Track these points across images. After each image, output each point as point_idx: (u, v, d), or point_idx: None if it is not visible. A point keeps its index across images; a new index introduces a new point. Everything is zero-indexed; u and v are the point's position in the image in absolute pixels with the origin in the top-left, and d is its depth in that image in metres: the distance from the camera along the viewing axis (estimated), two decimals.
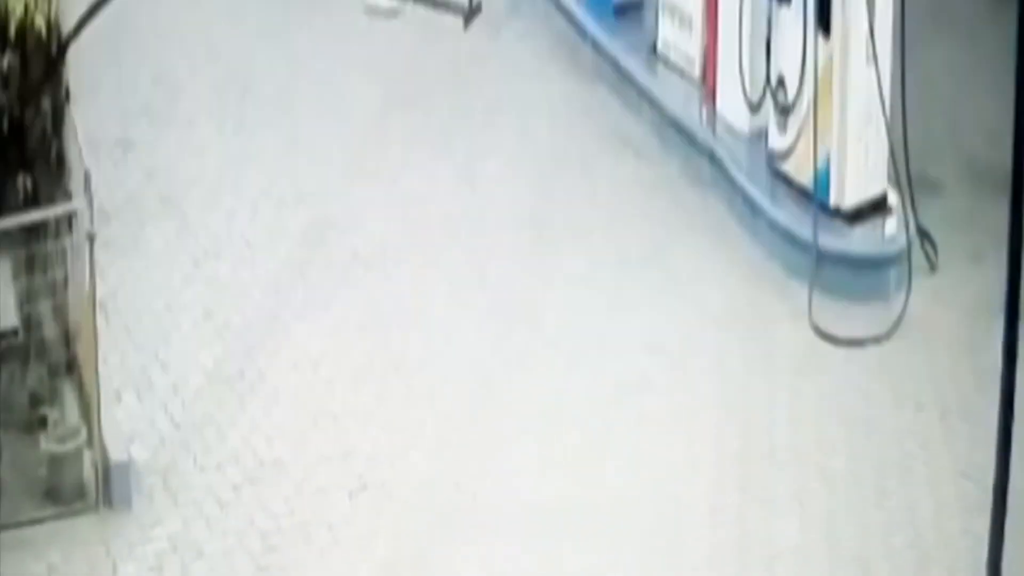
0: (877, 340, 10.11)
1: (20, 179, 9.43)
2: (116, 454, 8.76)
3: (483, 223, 11.57)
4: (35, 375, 9.33)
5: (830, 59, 10.80)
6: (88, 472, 8.77)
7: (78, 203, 8.85)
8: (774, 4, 11.17)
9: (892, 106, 10.89)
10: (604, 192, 12.08)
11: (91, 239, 8.51)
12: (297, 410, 9.38)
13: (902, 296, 10.43)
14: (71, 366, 9.48)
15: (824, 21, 10.74)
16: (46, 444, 8.83)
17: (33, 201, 9.29)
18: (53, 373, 9.40)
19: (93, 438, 8.80)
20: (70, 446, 8.82)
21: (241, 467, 8.86)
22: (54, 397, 9.29)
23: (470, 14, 14.40)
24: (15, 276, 9.19)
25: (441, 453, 9.02)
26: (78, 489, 8.73)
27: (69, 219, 9.04)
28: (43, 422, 9.08)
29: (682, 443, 9.11)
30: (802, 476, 8.84)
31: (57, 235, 9.36)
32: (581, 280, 10.82)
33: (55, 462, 8.77)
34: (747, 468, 8.92)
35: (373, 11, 13.36)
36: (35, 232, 9.11)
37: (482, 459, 8.96)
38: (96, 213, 8.66)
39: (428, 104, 13.23)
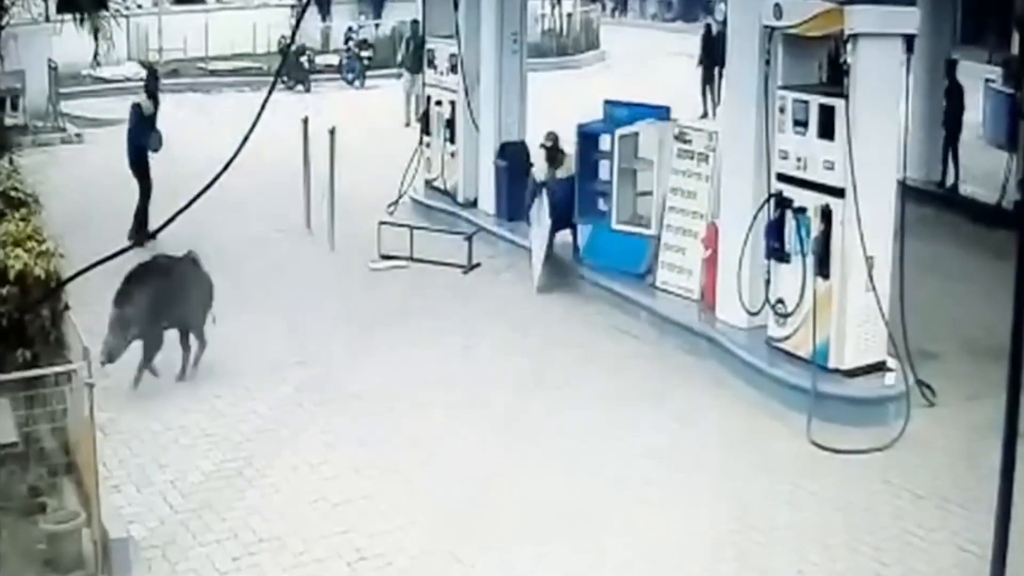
0: (877, 450, 11.68)
1: (19, 352, 11.31)
2: (115, 532, 10.12)
3: (481, 378, 13.48)
4: (34, 474, 10.83)
5: (829, 289, 12.84)
6: (87, 546, 10.09)
7: (77, 363, 10.36)
8: (773, 261, 13.30)
9: (892, 295, 12.79)
10: (603, 359, 14.00)
11: (90, 387, 9.73)
12: (296, 498, 10.86)
13: (900, 423, 12.08)
14: (70, 469, 10.99)
15: (824, 272, 12.84)
16: (45, 524, 10.20)
17: (32, 367, 10.96)
18: (52, 473, 10.89)
19: (92, 519, 10.16)
20: (69, 526, 10.17)
21: (240, 542, 10.18)
22: (53, 491, 10.75)
23: (469, 268, 17.20)
24: (14, 409, 10.75)
25: (440, 530, 10.38)
26: (77, 560, 10.01)
27: (68, 376, 10.57)
28: (42, 508, 10.50)
29: (680, 522, 10.53)
30: (801, 550, 10.16)
31: (56, 384, 11.10)
32: (581, 409, 12.61)
33: (54, 538, 10.06)
34: (746, 543, 10.26)
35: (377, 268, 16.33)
36: (35, 382, 10.68)
37: (481, 535, 10.30)
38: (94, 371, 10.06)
39: (424, 314, 15.42)
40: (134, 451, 11.63)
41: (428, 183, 20.91)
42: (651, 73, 33.29)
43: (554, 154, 16.82)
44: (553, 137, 16.93)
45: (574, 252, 16.93)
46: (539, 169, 17.02)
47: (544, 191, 16.63)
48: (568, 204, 16.71)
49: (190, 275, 13.13)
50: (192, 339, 13.16)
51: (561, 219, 16.65)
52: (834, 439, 11.84)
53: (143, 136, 18.61)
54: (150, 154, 18.69)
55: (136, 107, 18.91)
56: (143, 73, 33.64)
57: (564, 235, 16.97)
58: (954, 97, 21.17)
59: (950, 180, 21.32)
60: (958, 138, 21.33)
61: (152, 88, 19.29)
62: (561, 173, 16.75)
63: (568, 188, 16.68)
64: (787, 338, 13.27)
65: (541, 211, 16.57)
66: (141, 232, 17.29)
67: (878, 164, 12.47)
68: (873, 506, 10.82)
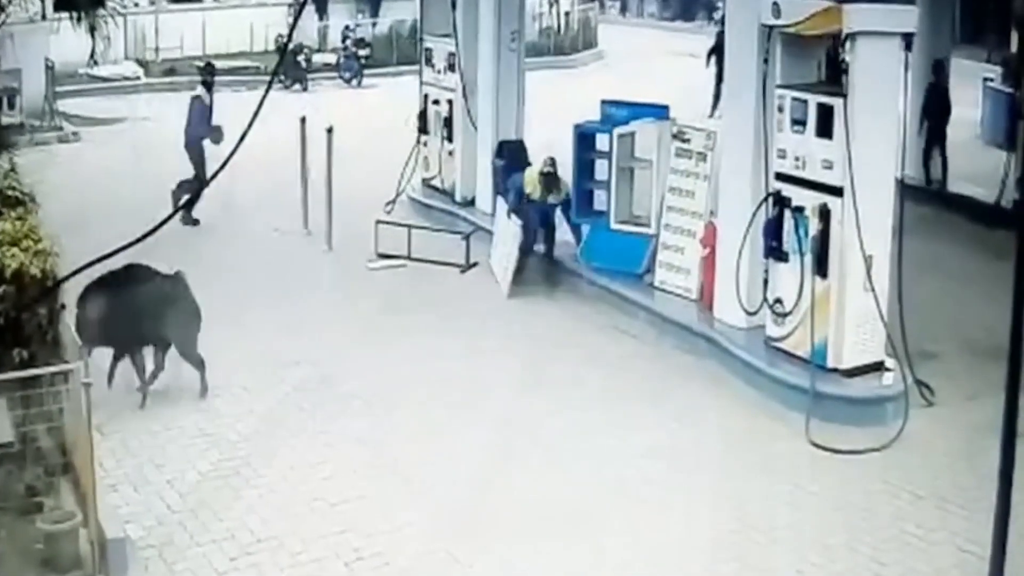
0: (875, 451, 11.68)
1: (16, 351, 11.30)
2: (112, 532, 10.09)
3: (479, 377, 13.49)
4: (31, 474, 10.82)
5: (827, 289, 12.83)
6: (84, 546, 10.07)
7: (73, 363, 10.37)
8: (771, 260, 13.29)
9: (890, 295, 12.73)
10: (602, 358, 14.00)
11: (87, 387, 9.73)
12: (293, 498, 10.84)
13: (899, 422, 12.07)
14: (67, 469, 10.98)
15: (822, 271, 12.83)
16: (42, 524, 10.19)
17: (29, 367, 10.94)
18: (49, 473, 10.89)
19: (89, 519, 10.16)
20: (66, 526, 10.16)
21: (237, 542, 10.14)
22: (49, 491, 10.74)
23: (467, 267, 17.19)
24: (11, 409, 10.74)
25: (439, 531, 10.36)
26: (74, 560, 9.99)
27: (65, 375, 10.52)
28: (39, 508, 10.49)
29: (680, 522, 10.54)
30: (801, 550, 10.15)
31: (53, 384, 11.08)
32: (580, 409, 12.62)
33: (51, 538, 10.04)
34: (745, 543, 10.26)
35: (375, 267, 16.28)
36: (31, 381, 10.62)
37: (480, 535, 10.28)
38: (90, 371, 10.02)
39: (421, 313, 15.43)
40: (131, 451, 11.61)
41: (426, 182, 20.89)
42: (650, 72, 33.24)
43: (552, 180, 16.61)
44: (553, 163, 16.61)
45: (548, 252, 16.97)
46: (532, 189, 16.77)
47: (522, 205, 16.63)
48: (543, 226, 16.78)
49: (170, 293, 12.58)
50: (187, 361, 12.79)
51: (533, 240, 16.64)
52: (833, 439, 11.84)
53: (203, 127, 19.29)
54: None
55: (197, 99, 19.79)
56: (140, 72, 33.95)
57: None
58: (937, 97, 20.96)
59: (936, 181, 21.16)
60: (943, 139, 21.15)
61: (209, 81, 20.09)
62: (552, 198, 16.65)
63: (548, 213, 16.71)
64: (785, 337, 13.26)
65: (509, 230, 16.55)
66: (187, 209, 18.26)
67: (876, 163, 12.46)
68: (872, 506, 10.81)
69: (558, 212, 16.88)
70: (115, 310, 12.15)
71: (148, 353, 12.70)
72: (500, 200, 17.21)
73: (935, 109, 20.91)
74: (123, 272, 11.85)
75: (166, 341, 12.56)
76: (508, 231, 16.62)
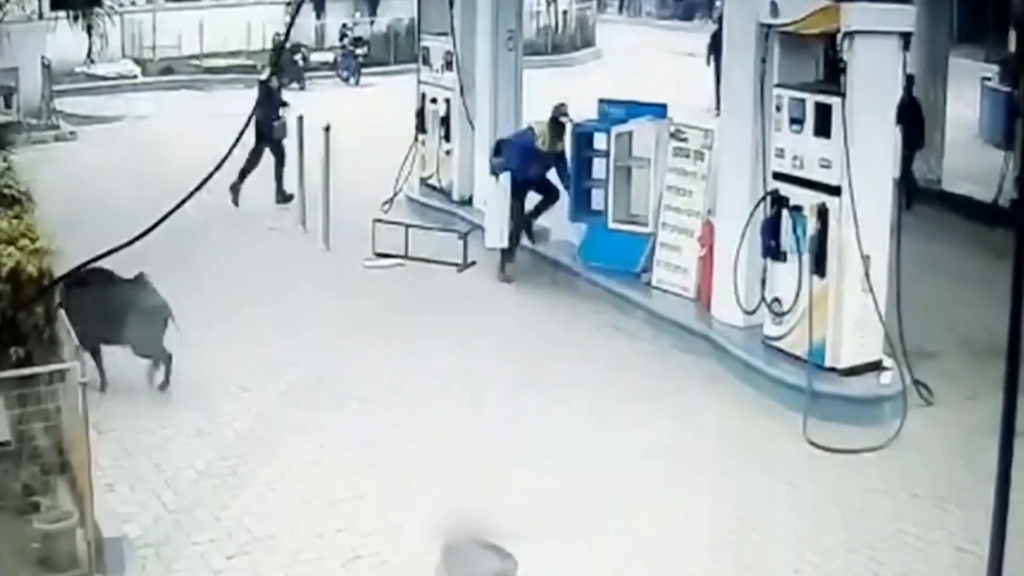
0: (873, 450, 11.69)
1: (12, 350, 11.31)
2: (109, 531, 10.10)
3: (477, 376, 13.50)
4: (28, 473, 10.82)
5: (825, 288, 12.85)
6: (81, 545, 10.08)
7: (70, 362, 10.37)
8: (769, 260, 13.31)
9: (888, 294, 12.73)
10: (599, 358, 14.00)
11: (83, 386, 9.82)
12: (290, 497, 10.84)
13: (897, 422, 12.08)
14: (64, 468, 10.98)
15: (820, 270, 12.85)
16: (39, 523, 10.19)
17: (25, 365, 10.95)
18: (46, 472, 10.89)
19: (86, 518, 10.16)
20: (62, 525, 10.17)
21: (234, 541, 10.14)
22: (46, 490, 10.74)
23: (464, 266, 17.20)
24: (8, 407, 10.79)
25: (436, 529, 10.32)
26: (71, 559, 9.99)
27: (62, 374, 10.46)
28: (36, 507, 10.50)
29: (678, 521, 10.53)
30: (798, 549, 10.16)
31: (50, 383, 11.07)
32: (578, 408, 12.64)
33: (48, 537, 10.04)
34: (743, 542, 10.26)
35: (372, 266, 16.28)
36: (28, 380, 10.54)
37: (478, 534, 10.26)
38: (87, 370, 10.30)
39: (418, 312, 15.43)
40: (128, 450, 11.60)
41: (423, 181, 20.88)
42: (648, 71, 33.24)
43: (562, 129, 16.61)
44: (566, 111, 16.63)
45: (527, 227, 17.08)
46: (543, 140, 16.70)
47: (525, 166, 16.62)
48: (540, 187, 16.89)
49: (129, 297, 12.62)
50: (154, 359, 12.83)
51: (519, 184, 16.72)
52: (831, 438, 11.85)
53: (269, 110, 19.63)
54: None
55: (264, 84, 20.72)
56: (137, 70, 33.94)
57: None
58: (911, 108, 20.59)
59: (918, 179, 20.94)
60: (922, 144, 20.86)
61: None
62: (560, 146, 16.71)
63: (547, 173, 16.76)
64: (783, 337, 13.27)
65: (499, 185, 16.70)
66: (280, 192, 20.13)
67: (874, 162, 12.48)
68: (870, 505, 10.82)
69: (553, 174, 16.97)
70: (78, 310, 11.83)
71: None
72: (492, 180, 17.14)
73: (909, 117, 20.62)
74: (84, 276, 11.55)
75: (130, 343, 12.56)
76: (497, 188, 16.61)
